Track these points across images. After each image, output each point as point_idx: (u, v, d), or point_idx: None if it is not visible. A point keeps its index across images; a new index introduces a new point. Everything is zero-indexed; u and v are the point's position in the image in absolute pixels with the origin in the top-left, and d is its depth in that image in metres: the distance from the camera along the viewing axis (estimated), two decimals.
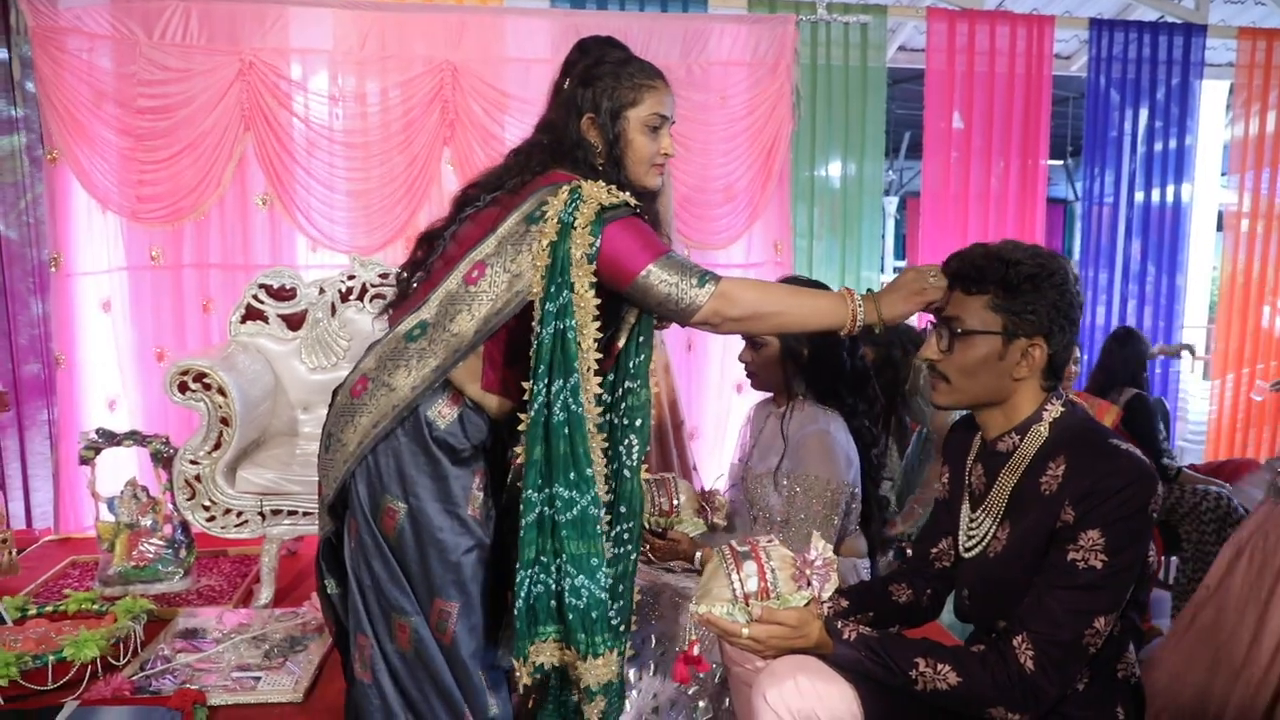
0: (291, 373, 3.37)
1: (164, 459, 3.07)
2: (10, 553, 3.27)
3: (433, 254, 1.74)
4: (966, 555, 1.60)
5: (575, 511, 1.56)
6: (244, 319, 3.37)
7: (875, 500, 2.24)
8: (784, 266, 4.09)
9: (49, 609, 2.71)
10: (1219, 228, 6.50)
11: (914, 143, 10.56)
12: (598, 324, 1.58)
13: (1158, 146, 4.58)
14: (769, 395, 2.29)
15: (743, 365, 2.25)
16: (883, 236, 14.08)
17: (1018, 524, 1.49)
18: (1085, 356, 4.67)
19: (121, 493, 3.08)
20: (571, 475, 1.56)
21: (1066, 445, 1.46)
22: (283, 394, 3.37)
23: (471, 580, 1.69)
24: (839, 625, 1.46)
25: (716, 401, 4.25)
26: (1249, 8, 5.45)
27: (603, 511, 1.61)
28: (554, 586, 1.58)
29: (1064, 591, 1.37)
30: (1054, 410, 1.52)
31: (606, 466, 1.67)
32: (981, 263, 1.47)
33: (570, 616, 1.57)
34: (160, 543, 3.09)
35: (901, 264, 15.63)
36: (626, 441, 1.67)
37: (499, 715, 1.72)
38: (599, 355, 1.59)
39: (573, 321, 1.55)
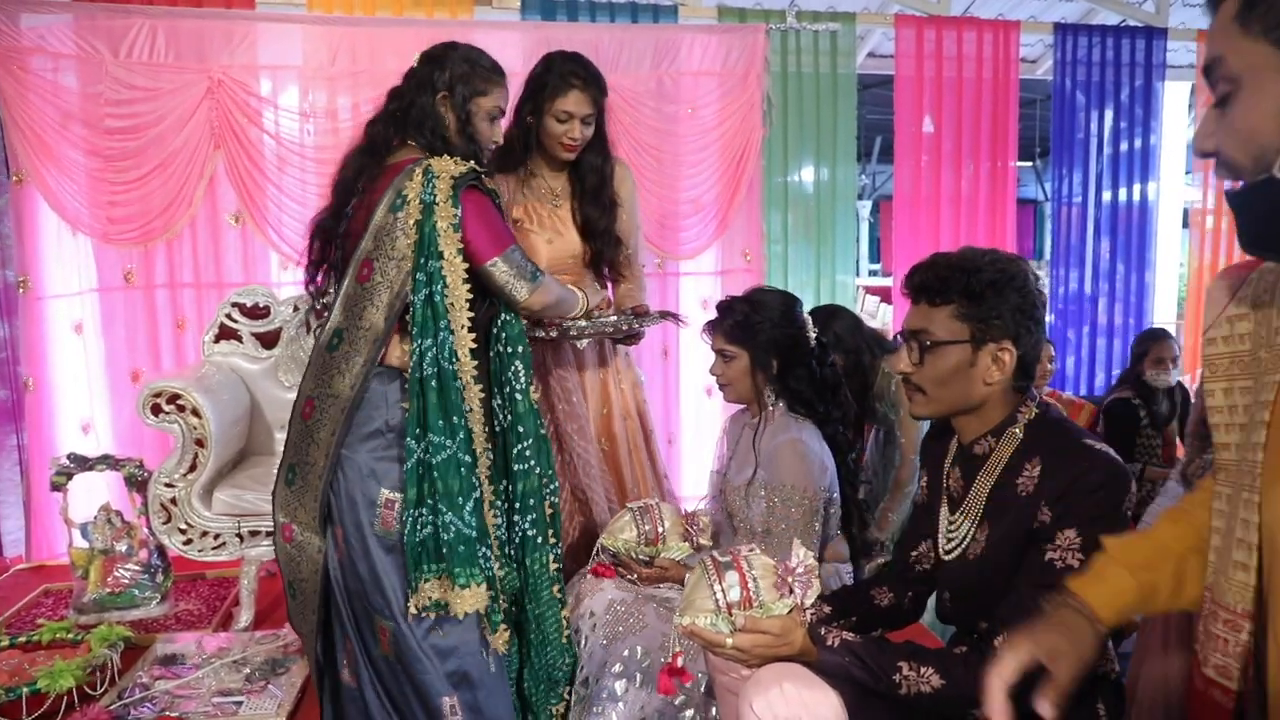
0: (267, 392, 3.34)
1: (138, 483, 3.03)
2: None
3: (330, 250, 1.93)
4: (946, 557, 1.61)
5: (444, 455, 1.77)
6: (218, 338, 3.34)
7: (855, 505, 2.24)
8: (754, 274, 4.10)
9: (22, 639, 2.64)
10: (1185, 225, 6.61)
11: (886, 147, 10.63)
12: (468, 285, 1.80)
13: (1123, 146, 4.64)
14: (743, 406, 2.29)
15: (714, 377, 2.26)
16: (857, 240, 14.18)
17: (996, 525, 1.50)
18: (1058, 356, 4.73)
19: (95, 518, 3.03)
20: (440, 423, 1.77)
21: (1041, 446, 1.47)
22: (259, 413, 3.34)
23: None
24: (822, 632, 1.46)
25: (693, 406, 4.26)
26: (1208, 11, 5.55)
27: (473, 457, 1.82)
28: (432, 528, 1.78)
29: (1043, 590, 1.37)
30: (1028, 412, 1.53)
31: (497, 395, 1.94)
32: (944, 273, 1.48)
33: (444, 550, 1.77)
34: (136, 568, 3.04)
35: (876, 267, 15.72)
36: (513, 368, 1.94)
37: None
38: (471, 315, 1.81)
39: (440, 286, 1.77)
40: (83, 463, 3.05)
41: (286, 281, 3.82)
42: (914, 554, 1.74)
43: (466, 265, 1.80)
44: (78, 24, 3.49)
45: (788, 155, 4.22)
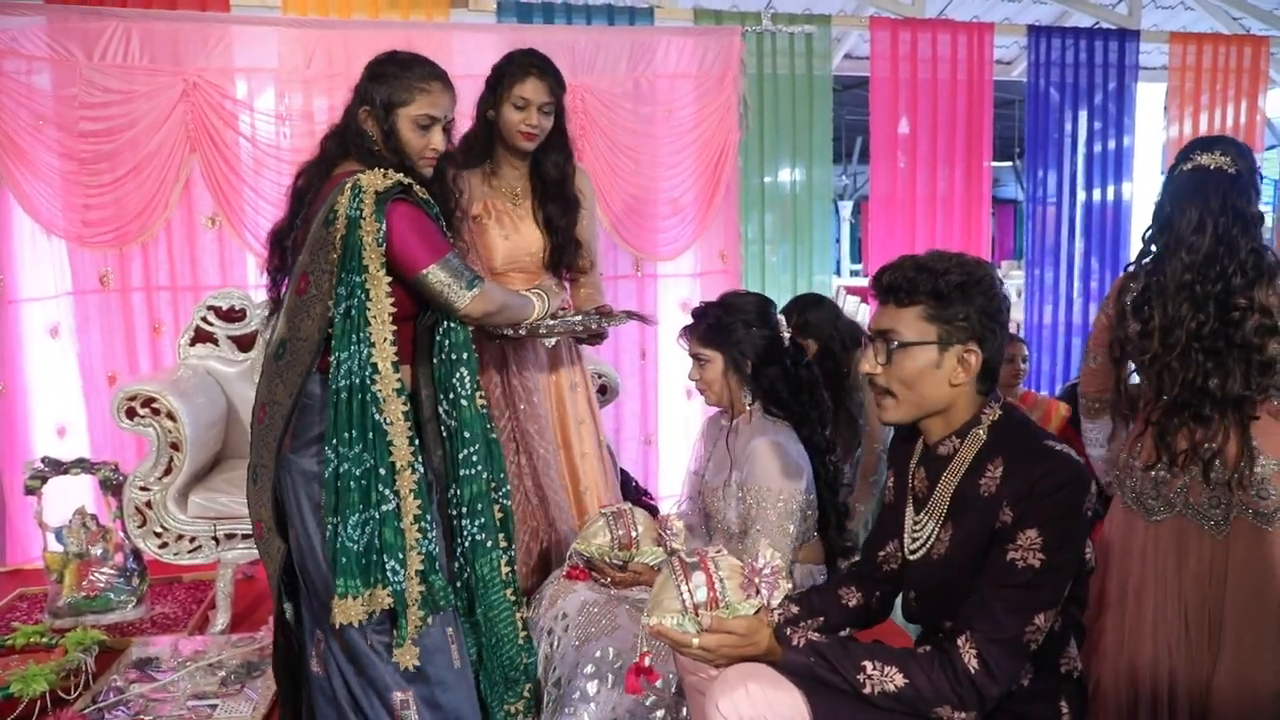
0: (243, 395, 3.33)
1: (113, 486, 3.02)
2: None
3: (286, 258, 1.94)
4: (911, 557, 1.63)
5: (345, 466, 1.78)
6: (193, 341, 3.33)
7: (833, 506, 2.26)
8: (730, 275, 4.12)
9: None
10: None
11: (866, 147, 10.71)
12: (392, 300, 1.79)
13: (1097, 147, 4.69)
14: (722, 409, 2.31)
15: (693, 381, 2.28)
16: (838, 240, 14.25)
17: (959, 525, 1.52)
18: (1034, 355, 4.78)
19: (70, 522, 3.02)
20: (346, 434, 1.78)
21: (1005, 448, 1.50)
22: (235, 416, 3.33)
23: None
24: (788, 632, 1.48)
25: (672, 408, 4.27)
26: (1179, 13, 5.62)
27: (389, 470, 1.81)
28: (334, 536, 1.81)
29: (1005, 590, 1.41)
30: (992, 414, 1.56)
31: (443, 401, 1.95)
32: (912, 274, 1.50)
33: (334, 557, 1.79)
34: (111, 571, 3.03)
35: (858, 267, 15.80)
36: (458, 374, 1.94)
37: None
38: (394, 328, 1.80)
39: (361, 298, 1.77)
40: (57, 466, 3.04)
41: (264, 284, 3.79)
42: (881, 554, 1.76)
43: (391, 280, 1.79)
44: (50, 26, 3.46)
45: (764, 157, 4.24)
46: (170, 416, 2.88)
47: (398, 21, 3.88)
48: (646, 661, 1.53)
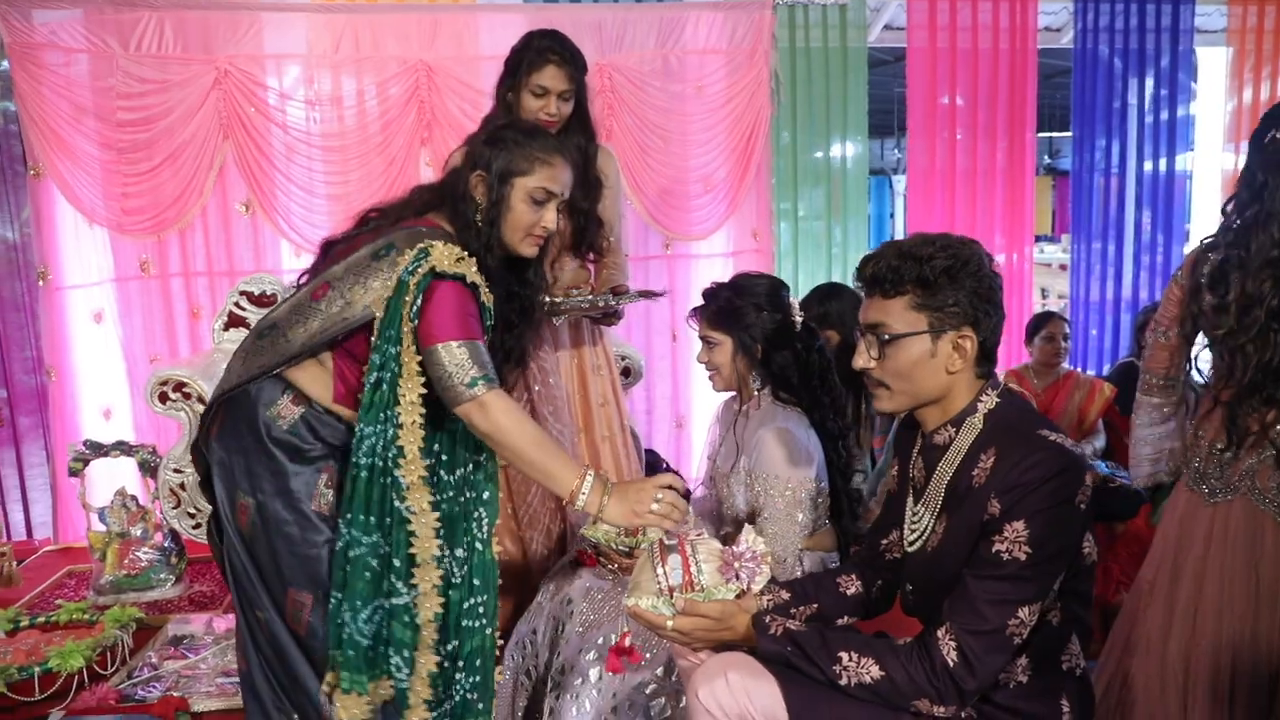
0: None
1: (151, 468, 3.12)
2: (10, 564, 3.33)
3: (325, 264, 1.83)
4: (909, 549, 1.60)
5: (358, 551, 1.66)
6: (227, 326, 3.41)
7: (846, 494, 2.21)
8: (763, 254, 4.07)
9: (41, 620, 2.75)
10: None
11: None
12: (423, 379, 1.64)
13: (1151, 116, 4.49)
14: (734, 394, 2.28)
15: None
16: (891, 216, 13.97)
17: (953, 517, 1.48)
18: (1094, 333, 4.63)
19: (111, 503, 3.13)
20: (362, 517, 1.66)
21: (997, 436, 1.45)
22: None
23: (330, 575, 1.74)
24: (767, 620, 1.46)
25: (703, 390, 4.24)
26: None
27: (403, 562, 1.68)
28: (338, 620, 1.69)
29: (988, 582, 1.36)
30: (989, 401, 1.50)
31: (463, 540, 1.75)
32: (895, 263, 1.44)
33: (341, 646, 1.68)
34: (151, 551, 3.14)
35: None
36: (476, 515, 1.78)
37: None
38: (423, 410, 1.65)
39: (392, 372, 1.63)
40: (98, 449, 3.15)
41: (298, 269, 3.86)
42: (884, 542, 1.73)
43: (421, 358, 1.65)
44: (88, 19, 3.55)
45: (796, 133, 4.16)
46: (201, 400, 2.96)
47: (424, 3, 3.89)
48: (627, 642, 1.53)
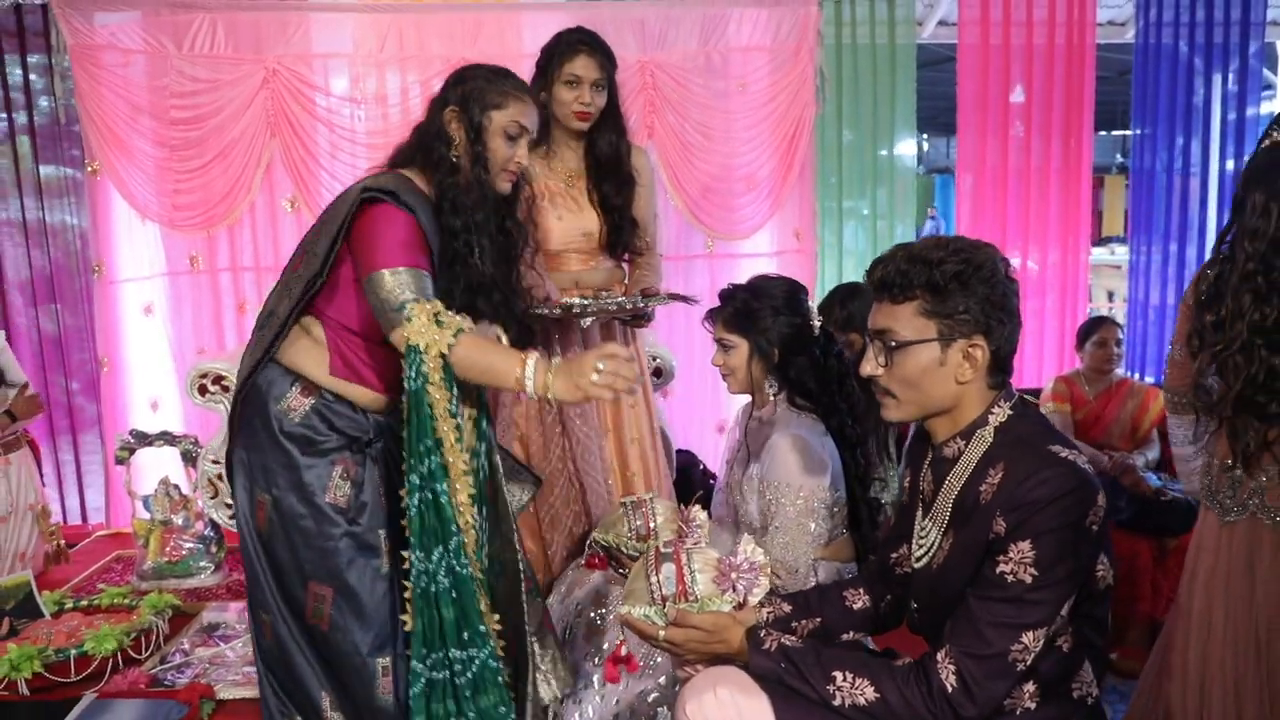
0: None
1: (193, 458, 3.20)
2: (59, 543, 3.45)
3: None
4: (916, 565, 1.54)
5: (474, 669, 1.62)
6: None
7: (864, 502, 2.15)
8: (805, 254, 4.00)
9: (84, 603, 2.84)
10: None
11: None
12: (469, 477, 1.64)
13: (1221, 113, 4.29)
14: (750, 399, 2.24)
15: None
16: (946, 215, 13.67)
17: (959, 533, 1.43)
18: (1138, 337, 4.46)
19: (155, 491, 3.22)
20: (465, 635, 1.61)
21: (1007, 451, 1.39)
22: None
23: (348, 568, 1.74)
24: (761, 634, 1.42)
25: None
26: None
27: (500, 662, 1.66)
28: None
29: (992, 604, 1.31)
30: (1000, 413, 1.44)
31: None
32: (904, 267, 1.39)
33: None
34: (192, 539, 3.22)
35: None
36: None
37: (384, 705, 1.76)
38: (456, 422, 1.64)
39: (443, 482, 1.60)
40: (143, 439, 3.24)
41: None
42: (895, 556, 1.67)
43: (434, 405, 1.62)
44: (145, 20, 3.66)
45: (843, 131, 4.09)
46: None
47: (468, 2, 3.91)
48: (624, 650, 1.51)
